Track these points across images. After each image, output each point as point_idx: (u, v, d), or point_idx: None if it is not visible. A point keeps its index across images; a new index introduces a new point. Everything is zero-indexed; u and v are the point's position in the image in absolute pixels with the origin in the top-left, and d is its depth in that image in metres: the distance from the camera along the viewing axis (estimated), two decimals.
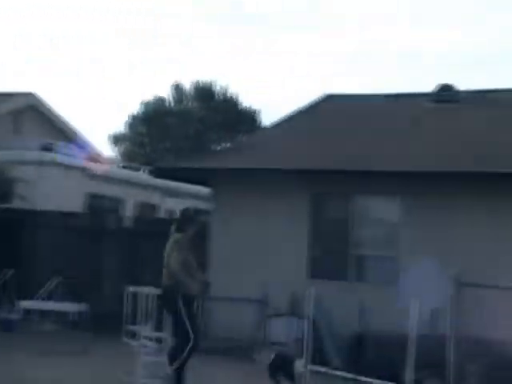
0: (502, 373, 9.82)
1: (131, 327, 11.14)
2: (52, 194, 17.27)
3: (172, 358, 9.61)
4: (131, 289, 11.39)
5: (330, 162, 14.71)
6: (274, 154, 15.80)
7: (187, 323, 9.48)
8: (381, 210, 14.48)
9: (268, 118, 44.44)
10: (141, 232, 15.94)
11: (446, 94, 17.62)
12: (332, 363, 12.68)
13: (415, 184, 13.89)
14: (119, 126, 48.61)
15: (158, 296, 10.11)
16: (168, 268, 9.68)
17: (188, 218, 10.06)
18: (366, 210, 14.45)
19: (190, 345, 9.42)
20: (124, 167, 21.96)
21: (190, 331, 9.44)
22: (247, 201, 15.28)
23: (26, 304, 14.82)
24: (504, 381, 9.84)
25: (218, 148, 37.09)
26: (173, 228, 10.04)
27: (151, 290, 11.31)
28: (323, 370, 9.60)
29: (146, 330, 11.00)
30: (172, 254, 9.67)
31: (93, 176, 18.44)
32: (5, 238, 16.34)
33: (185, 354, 9.43)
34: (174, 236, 9.89)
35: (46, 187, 17.43)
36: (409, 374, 8.83)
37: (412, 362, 8.76)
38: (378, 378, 9.80)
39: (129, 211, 17.75)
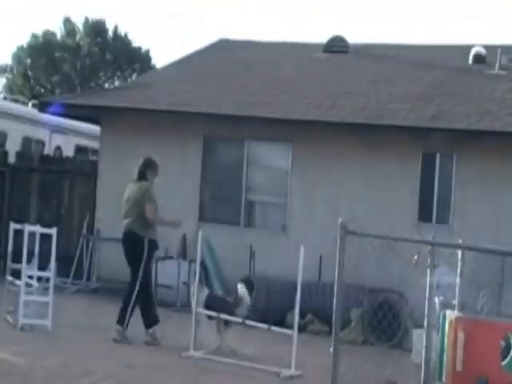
0: (381, 317, 10.17)
1: (14, 265, 10.85)
2: None
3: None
4: (15, 226, 11.04)
5: (224, 107, 14.66)
6: (166, 95, 15.61)
7: (142, 270, 9.85)
8: (273, 157, 14.54)
9: (160, 60, 43.86)
10: (27, 168, 15.49)
11: (336, 44, 17.86)
12: None
13: (306, 132, 14.01)
14: (6, 57, 47.05)
15: (124, 239, 10.22)
16: (138, 215, 9.99)
17: (151, 166, 10.31)
18: (259, 156, 14.50)
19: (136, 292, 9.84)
20: (8, 99, 21.18)
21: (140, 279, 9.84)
22: (138, 141, 15.05)
23: None
24: (382, 324, 10.23)
25: (107, 86, 36.44)
26: (135, 175, 10.26)
27: (37, 228, 11.05)
28: (213, 314, 9.63)
29: (30, 268, 10.76)
30: (146, 202, 10.01)
31: None
32: None
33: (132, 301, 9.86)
34: (143, 184, 10.18)
35: None
36: (294, 319, 8.97)
37: (298, 307, 8.89)
38: (265, 322, 9.94)
39: (15, 146, 17.17)
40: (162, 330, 10.91)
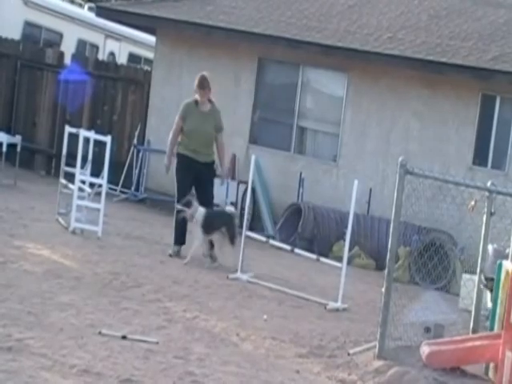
0: (429, 256, 10.16)
1: (68, 169, 10.93)
2: None
3: None
4: (70, 129, 11.05)
5: (281, 29, 14.46)
6: (224, 11, 15.40)
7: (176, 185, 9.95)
8: (327, 85, 14.40)
9: None
10: (86, 72, 15.43)
11: None
12: (267, 231, 12.92)
13: (362, 63, 13.78)
14: None
15: None
16: None
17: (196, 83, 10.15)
18: (313, 82, 14.35)
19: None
20: (66, 1, 21.01)
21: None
22: (192, 55, 14.98)
23: None
24: (429, 264, 10.24)
25: None
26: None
27: (91, 134, 11.11)
28: (260, 237, 9.69)
29: (83, 173, 10.83)
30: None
31: (34, 4, 17.58)
32: None
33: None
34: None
35: None
36: (343, 252, 9.00)
37: (348, 240, 8.91)
38: (311, 250, 10.02)
39: (69, 48, 17.11)
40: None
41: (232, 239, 9.64)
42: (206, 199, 9.88)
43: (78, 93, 15.31)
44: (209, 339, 6.69)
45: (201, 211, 9.68)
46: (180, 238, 9.95)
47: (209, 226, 9.67)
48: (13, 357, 5.34)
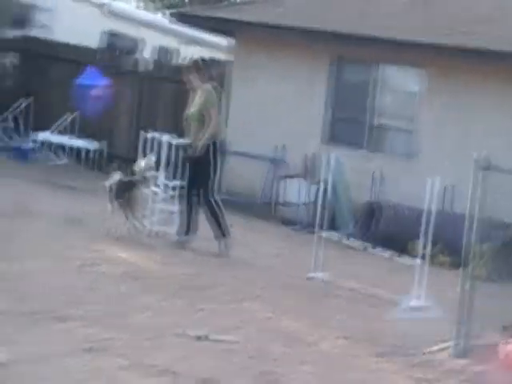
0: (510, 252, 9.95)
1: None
2: (70, 26, 16.77)
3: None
4: (149, 135, 11.22)
5: (357, 27, 14.40)
6: (300, 12, 15.43)
7: None
8: (404, 82, 14.34)
9: None
10: (161, 77, 15.68)
11: None
12: (345, 230, 12.83)
13: (438, 58, 13.62)
14: None
15: None
16: None
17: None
18: (389, 80, 14.27)
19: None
20: (143, 8, 21.44)
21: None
22: (269, 58, 15.06)
23: (43, 136, 14.65)
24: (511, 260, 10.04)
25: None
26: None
27: (170, 139, 11.26)
28: (336, 237, 9.67)
29: (162, 177, 10.96)
30: None
31: (111, 13, 17.96)
32: (22, 67, 16.13)
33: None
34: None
35: (64, 18, 16.91)
36: (423, 248, 8.88)
37: (428, 236, 8.78)
38: (389, 248, 9.93)
39: (147, 54, 17.44)
40: (281, 249, 11.04)
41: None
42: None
43: (154, 98, 15.55)
44: (284, 339, 6.73)
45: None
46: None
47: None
48: (92, 357, 5.48)
